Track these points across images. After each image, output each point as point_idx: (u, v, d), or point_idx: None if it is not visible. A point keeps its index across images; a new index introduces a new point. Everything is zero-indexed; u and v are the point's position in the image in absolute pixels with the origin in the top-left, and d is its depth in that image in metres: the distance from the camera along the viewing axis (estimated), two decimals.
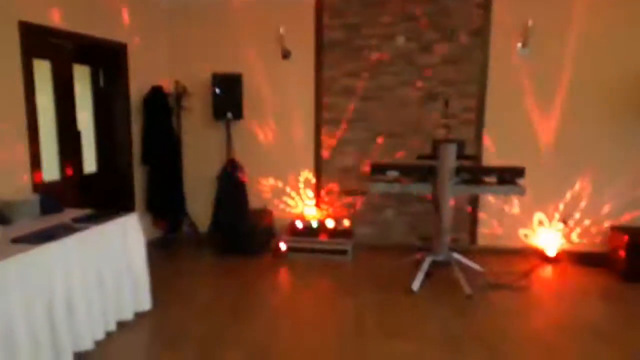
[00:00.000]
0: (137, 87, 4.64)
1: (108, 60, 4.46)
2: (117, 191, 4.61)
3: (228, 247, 4.78)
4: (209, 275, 4.29)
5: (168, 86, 4.87)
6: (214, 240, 4.89)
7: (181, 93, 4.89)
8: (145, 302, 3.37)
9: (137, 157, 4.73)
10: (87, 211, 3.35)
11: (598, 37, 4.37)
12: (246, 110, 4.86)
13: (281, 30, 4.75)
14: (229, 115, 4.76)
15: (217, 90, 4.72)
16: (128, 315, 3.22)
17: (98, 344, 2.88)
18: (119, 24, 4.41)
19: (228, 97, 4.76)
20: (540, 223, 4.69)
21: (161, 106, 4.78)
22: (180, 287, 3.93)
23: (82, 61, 4.30)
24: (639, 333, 3.16)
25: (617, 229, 4.33)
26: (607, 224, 4.52)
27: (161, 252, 4.84)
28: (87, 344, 2.76)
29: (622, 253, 4.09)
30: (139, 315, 3.31)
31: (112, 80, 4.51)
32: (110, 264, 3.06)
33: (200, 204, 5.13)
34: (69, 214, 3.24)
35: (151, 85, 4.71)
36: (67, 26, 3.75)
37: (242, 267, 4.39)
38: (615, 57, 4.37)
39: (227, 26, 4.93)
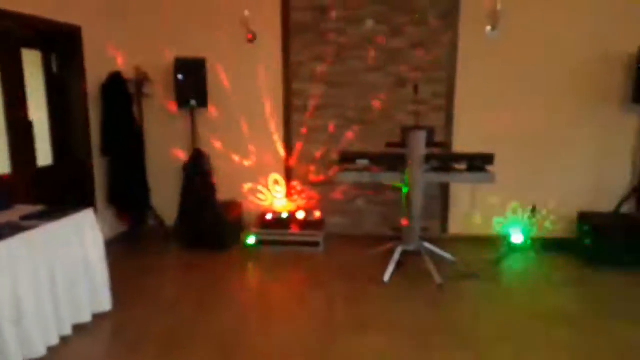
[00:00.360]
0: (94, 73, 4.37)
1: (61, 44, 4.18)
2: (76, 184, 4.37)
3: (196, 240, 4.61)
4: (175, 271, 4.14)
5: (128, 72, 4.61)
6: (181, 234, 4.71)
7: (142, 79, 4.65)
8: (105, 303, 3.20)
9: (96, 147, 4.48)
10: (38, 208, 3.14)
11: (568, 20, 4.34)
12: (211, 97, 4.67)
13: (246, 12, 4.54)
14: (193, 102, 4.56)
15: (180, 76, 4.51)
16: (86, 318, 3.05)
17: (52, 349, 2.72)
18: (72, 5, 4.13)
19: (192, 84, 4.55)
20: (511, 210, 4.68)
21: (121, 93, 4.53)
22: (144, 284, 3.77)
23: (32, 46, 4.02)
24: (605, 318, 3.18)
25: (583, 215, 4.35)
26: (574, 210, 4.55)
27: (125, 247, 4.65)
28: (39, 351, 2.60)
29: (588, 239, 4.11)
30: (98, 317, 3.14)
31: (66, 66, 4.24)
32: (63, 264, 2.87)
33: (166, 196, 4.93)
34: (18, 212, 3.02)
35: (109, 72, 4.46)
36: (14, 7, 3.47)
37: (210, 262, 4.25)
38: (585, 40, 4.35)
39: (189, 8, 4.69)
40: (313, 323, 3.14)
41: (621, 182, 4.48)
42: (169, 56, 4.56)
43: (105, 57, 4.50)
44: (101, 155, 4.51)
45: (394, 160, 3.84)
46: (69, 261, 2.92)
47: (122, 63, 4.61)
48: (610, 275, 3.89)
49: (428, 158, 3.73)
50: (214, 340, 2.89)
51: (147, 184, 4.86)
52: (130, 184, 4.66)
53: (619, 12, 4.26)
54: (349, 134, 4.75)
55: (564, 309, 3.31)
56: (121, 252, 4.50)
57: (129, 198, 4.70)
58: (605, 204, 4.45)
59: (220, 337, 2.92)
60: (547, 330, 3.02)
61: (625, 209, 4.38)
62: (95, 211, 3.32)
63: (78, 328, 2.98)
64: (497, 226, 4.70)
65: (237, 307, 3.37)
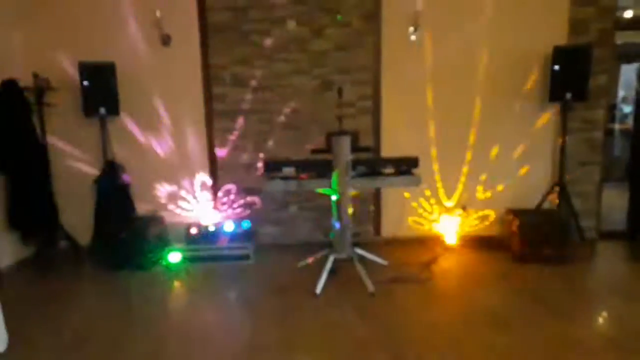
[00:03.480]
0: None
1: None
2: None
3: (113, 261, 4.21)
4: (87, 298, 3.74)
5: (25, 80, 4.13)
6: (97, 255, 4.31)
7: (42, 87, 4.19)
8: None
9: None
10: None
11: (487, 21, 4.39)
12: (124, 105, 4.31)
13: (157, 13, 4.21)
14: (102, 110, 4.17)
15: (86, 83, 4.11)
16: None
17: None
18: None
19: (100, 90, 4.17)
20: (440, 210, 4.70)
21: (17, 103, 4.06)
22: (49, 316, 3.35)
23: None
24: (532, 317, 3.19)
25: (510, 212, 4.43)
26: (502, 207, 4.63)
27: (31, 274, 4.19)
28: None
29: (514, 235, 4.19)
30: None
31: None
32: None
33: (77, 214, 4.49)
34: None
35: (1, 80, 3.97)
36: None
37: (129, 284, 3.89)
38: (504, 40, 4.42)
39: (94, 10, 4.29)
40: (240, 347, 2.91)
41: (543, 178, 4.61)
42: (74, 61, 4.15)
43: None
44: None
45: (321, 167, 3.69)
46: None
47: (17, 70, 4.12)
48: (537, 270, 3.96)
49: (354, 163, 3.61)
50: None
51: (53, 201, 4.38)
52: (33, 202, 4.19)
53: (535, 14, 4.37)
54: (278, 140, 4.56)
55: (493, 311, 3.29)
56: (26, 279, 4.07)
57: (33, 218, 4.23)
58: (530, 201, 4.56)
59: None
60: (478, 335, 2.98)
61: (546, 204, 4.52)
62: None
63: None
64: (428, 226, 4.71)
65: (155, 336, 3.06)
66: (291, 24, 4.38)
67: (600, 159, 4.59)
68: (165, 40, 4.31)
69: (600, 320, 3.24)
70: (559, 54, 4.24)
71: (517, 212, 4.35)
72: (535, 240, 4.09)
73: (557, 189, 4.46)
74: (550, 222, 4.15)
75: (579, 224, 4.42)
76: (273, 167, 3.75)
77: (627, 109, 7.83)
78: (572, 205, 4.40)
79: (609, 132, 7.41)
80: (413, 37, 4.35)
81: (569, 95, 4.25)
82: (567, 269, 4.00)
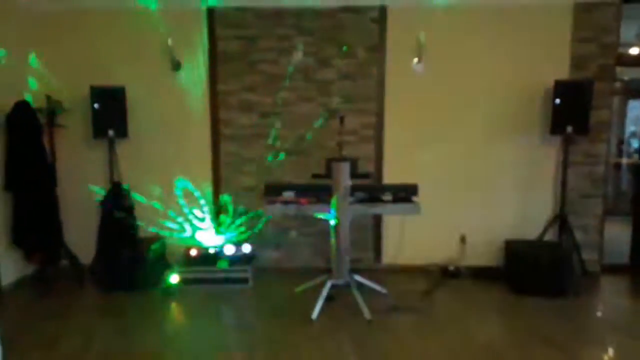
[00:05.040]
0: None
1: None
2: None
3: (114, 281, 4.24)
4: (84, 317, 3.73)
5: (38, 101, 4.28)
6: (99, 274, 4.34)
7: (54, 109, 4.33)
8: None
9: None
10: None
11: (490, 54, 4.47)
12: (132, 127, 4.43)
13: (169, 41, 4.38)
14: (111, 132, 4.29)
15: (96, 106, 4.25)
16: None
17: None
18: None
19: (110, 113, 4.30)
20: (441, 239, 4.68)
21: (29, 124, 4.18)
22: (44, 333, 3.36)
23: None
24: (531, 351, 3.13)
25: (510, 243, 4.41)
26: (502, 238, 4.60)
27: (32, 291, 4.24)
28: None
29: (514, 267, 4.15)
30: None
31: None
32: None
33: (81, 233, 4.54)
34: None
35: (14, 101, 4.12)
36: None
37: (128, 305, 3.90)
38: (506, 73, 4.49)
39: (108, 36, 4.46)
40: None
41: (544, 211, 4.60)
42: (85, 85, 4.30)
43: (9, 85, 4.16)
44: (4, 191, 4.12)
45: (321, 192, 3.73)
46: None
47: (31, 92, 4.28)
48: (537, 302, 3.91)
49: (353, 189, 3.65)
50: None
51: (58, 221, 4.45)
52: (39, 220, 4.26)
53: (538, 48, 4.44)
54: (281, 165, 4.62)
55: (491, 344, 3.24)
56: (26, 296, 4.10)
57: (38, 236, 4.29)
58: (531, 232, 4.54)
59: None
60: None
61: (548, 235, 4.49)
62: None
63: None
64: (428, 256, 4.68)
65: (149, 358, 3.06)
66: (298, 54, 4.52)
67: (602, 192, 4.58)
68: (176, 67, 4.46)
69: (602, 355, 3.17)
70: (561, 88, 4.30)
71: (517, 243, 4.32)
72: (535, 272, 4.04)
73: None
74: (552, 254, 4.11)
75: (581, 257, 4.38)
76: (273, 190, 3.80)
77: (636, 143, 7.83)
78: (574, 238, 4.37)
79: (617, 167, 7.40)
80: (416, 69, 4.45)
81: (570, 129, 4.29)
82: (568, 302, 3.95)
